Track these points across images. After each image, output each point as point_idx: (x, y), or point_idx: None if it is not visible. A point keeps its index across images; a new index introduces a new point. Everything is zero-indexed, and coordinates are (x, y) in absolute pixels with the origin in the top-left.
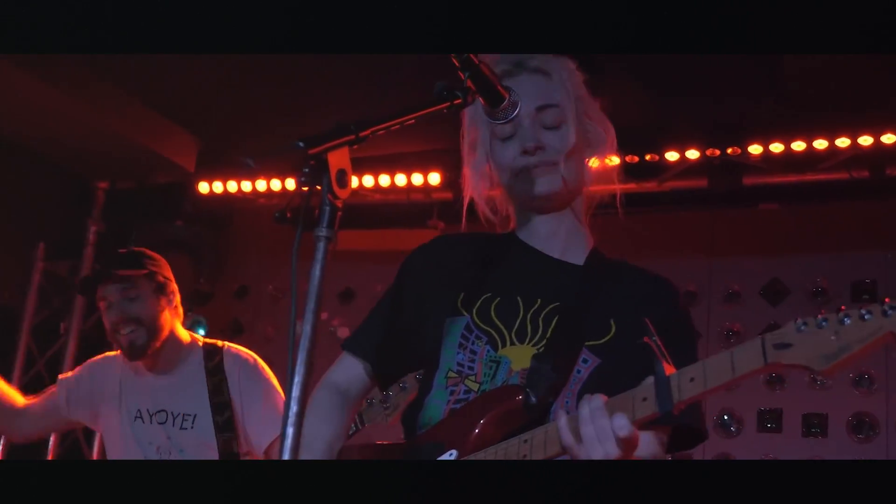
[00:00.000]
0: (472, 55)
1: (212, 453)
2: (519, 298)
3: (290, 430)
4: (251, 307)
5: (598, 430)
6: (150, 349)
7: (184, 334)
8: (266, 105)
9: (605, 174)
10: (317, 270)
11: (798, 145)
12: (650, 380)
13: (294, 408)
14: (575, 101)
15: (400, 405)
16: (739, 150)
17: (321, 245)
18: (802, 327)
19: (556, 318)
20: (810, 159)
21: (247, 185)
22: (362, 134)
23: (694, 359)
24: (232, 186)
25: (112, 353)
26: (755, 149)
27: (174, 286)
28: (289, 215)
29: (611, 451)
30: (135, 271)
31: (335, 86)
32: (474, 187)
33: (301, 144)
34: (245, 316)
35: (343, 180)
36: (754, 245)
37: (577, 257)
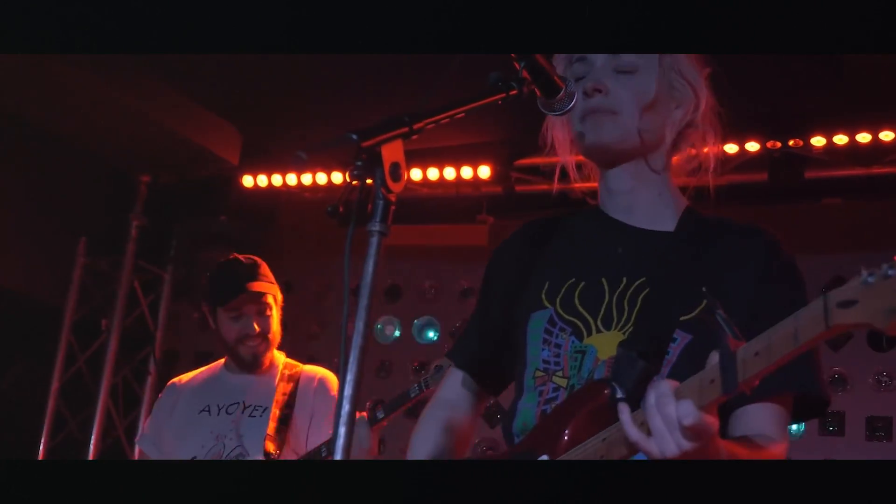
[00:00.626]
0: None
1: (263, 448)
2: (604, 280)
3: (341, 430)
4: (296, 304)
5: (666, 419)
6: (266, 361)
7: None
8: (311, 98)
9: (698, 139)
10: (370, 266)
11: (863, 137)
12: (715, 357)
13: (346, 407)
14: (660, 58)
15: None
16: (801, 143)
17: (374, 240)
18: (869, 279)
19: (641, 297)
20: (876, 152)
21: (292, 179)
22: (416, 126)
23: None
24: (276, 180)
25: (172, 382)
26: (818, 140)
27: None
28: (341, 210)
29: (683, 444)
30: (273, 286)
31: (380, 81)
32: (561, 149)
33: (354, 137)
34: (289, 312)
35: (397, 174)
36: (817, 241)
37: (667, 223)
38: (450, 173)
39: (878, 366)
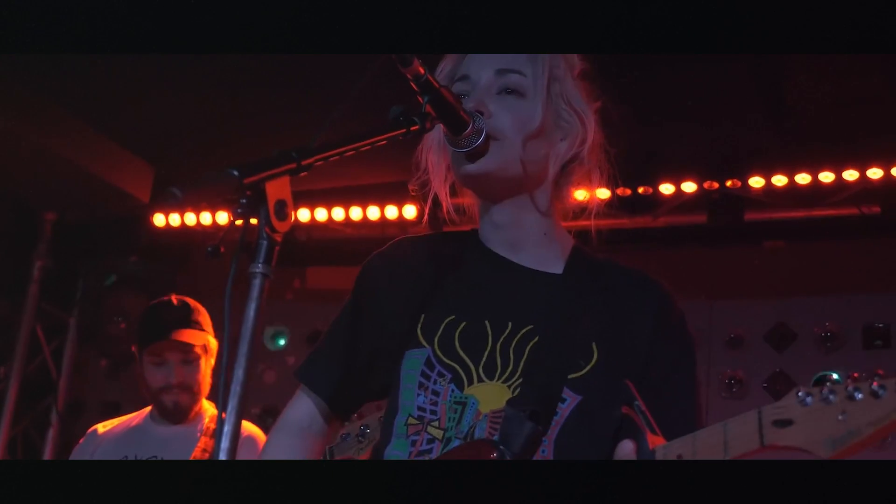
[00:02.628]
0: (430, 77)
1: None
2: (487, 323)
3: None
4: None
5: None
6: (192, 413)
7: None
8: (228, 131)
9: (583, 177)
10: (251, 311)
11: (803, 178)
12: (629, 447)
13: (223, 457)
14: (549, 76)
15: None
16: (740, 183)
17: (257, 282)
18: (807, 400)
19: (529, 347)
20: (817, 193)
21: (206, 218)
22: (305, 162)
23: (690, 391)
24: (190, 219)
25: (94, 429)
26: (757, 181)
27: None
28: (222, 250)
29: None
30: (203, 334)
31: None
32: (436, 174)
33: (235, 173)
34: None
35: (282, 212)
36: (758, 286)
37: (554, 264)
38: (374, 213)
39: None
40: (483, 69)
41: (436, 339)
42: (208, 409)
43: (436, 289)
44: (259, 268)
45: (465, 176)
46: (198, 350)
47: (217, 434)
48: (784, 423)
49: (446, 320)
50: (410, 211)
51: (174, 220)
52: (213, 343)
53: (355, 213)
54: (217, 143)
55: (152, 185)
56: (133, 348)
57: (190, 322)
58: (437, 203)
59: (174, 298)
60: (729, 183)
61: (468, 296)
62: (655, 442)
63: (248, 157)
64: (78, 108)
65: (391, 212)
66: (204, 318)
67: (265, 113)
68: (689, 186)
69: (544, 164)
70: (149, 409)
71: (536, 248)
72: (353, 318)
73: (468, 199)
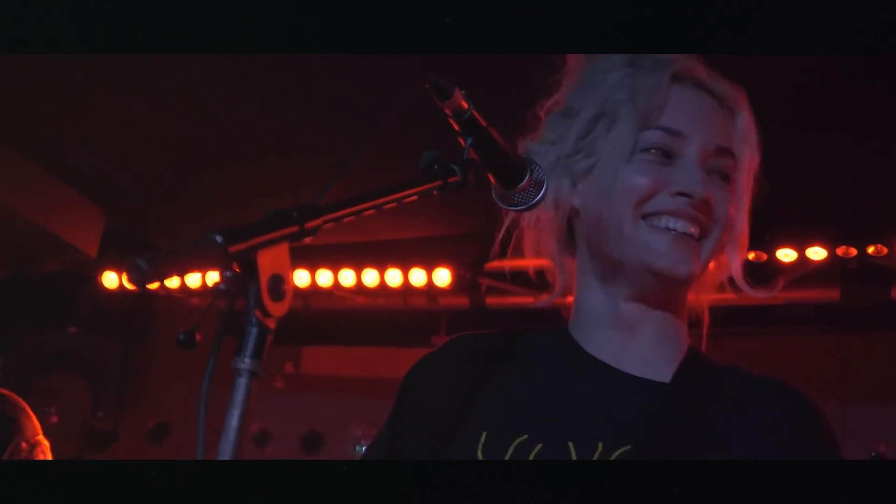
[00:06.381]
0: (476, 113)
1: None
2: (571, 444)
3: None
4: (172, 454)
5: None
6: None
7: None
8: (204, 171)
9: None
10: (234, 420)
11: None
12: None
13: None
14: (751, 172)
15: None
16: (886, 250)
17: (242, 382)
18: None
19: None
20: None
21: (173, 280)
22: (309, 225)
23: None
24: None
25: None
26: None
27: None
28: (199, 338)
29: None
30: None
31: (296, 150)
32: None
33: (218, 239)
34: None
35: (278, 291)
36: None
37: (663, 369)
38: (395, 278)
39: None
40: (704, 137)
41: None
42: None
43: (502, 400)
44: (245, 363)
45: (662, 273)
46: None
47: None
48: None
49: (516, 441)
50: (443, 276)
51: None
52: (45, 443)
53: (369, 276)
54: (190, 186)
55: (102, 234)
56: None
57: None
58: (476, 268)
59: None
60: (871, 249)
61: (546, 410)
62: None
63: (231, 207)
64: (5, 133)
65: (417, 276)
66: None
67: (253, 151)
68: (816, 253)
69: (707, 264)
70: None
71: (649, 348)
72: (394, 441)
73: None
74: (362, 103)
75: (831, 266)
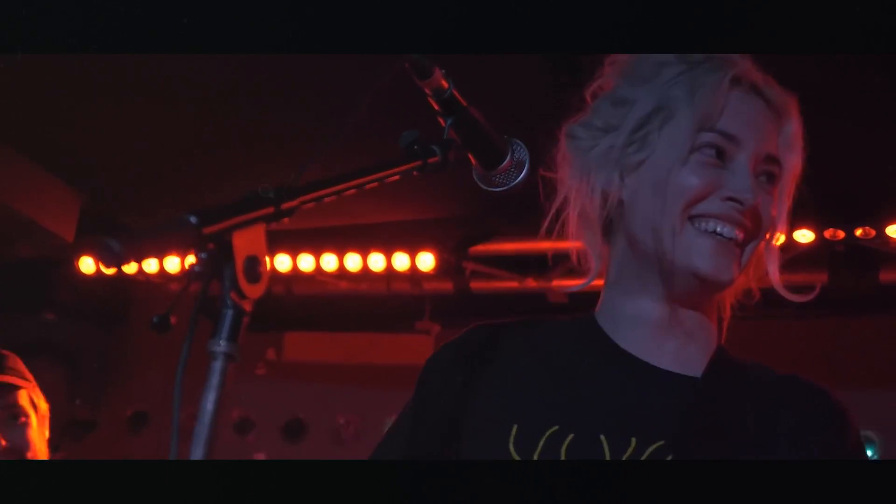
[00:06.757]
0: (456, 93)
1: None
2: (603, 438)
3: None
4: (151, 443)
5: None
6: None
7: None
8: (183, 151)
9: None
10: (209, 403)
11: None
12: None
13: None
14: (795, 173)
15: None
16: (874, 232)
17: (218, 365)
18: None
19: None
20: None
21: (151, 264)
22: (286, 206)
23: None
24: (129, 266)
25: None
26: None
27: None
28: (173, 321)
29: None
30: (27, 382)
31: (285, 129)
32: (591, 185)
33: (193, 220)
34: (141, 456)
35: (254, 273)
36: None
37: (695, 363)
38: (378, 262)
39: None
40: (757, 143)
41: (534, 456)
42: None
43: (531, 390)
44: (221, 346)
45: (706, 276)
46: (23, 401)
47: None
48: None
49: (548, 431)
50: (427, 260)
51: None
52: (44, 406)
53: (352, 261)
54: (167, 167)
55: (79, 218)
56: None
57: (4, 368)
58: (460, 252)
59: None
60: (859, 231)
61: (578, 401)
62: None
63: (208, 188)
64: None
65: (401, 261)
66: (20, 365)
67: (232, 135)
68: (804, 236)
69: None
70: None
71: (679, 348)
72: (415, 431)
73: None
74: (345, 89)
75: (819, 249)
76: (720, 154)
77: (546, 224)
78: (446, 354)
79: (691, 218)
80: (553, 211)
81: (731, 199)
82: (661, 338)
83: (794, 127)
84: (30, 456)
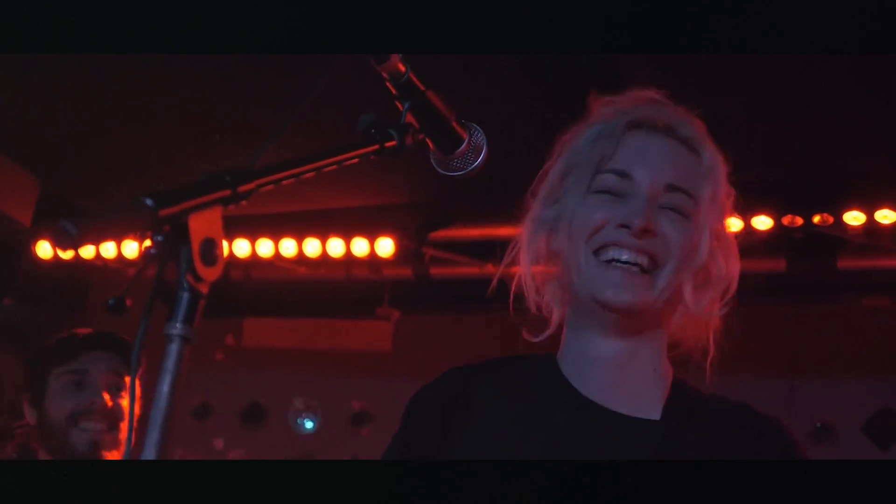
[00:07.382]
0: (413, 76)
1: None
2: None
3: None
4: None
5: None
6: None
7: None
8: (139, 134)
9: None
10: (165, 386)
11: None
12: None
13: None
14: (714, 207)
15: None
16: (832, 219)
17: (174, 348)
18: None
19: None
20: None
21: (109, 249)
22: (242, 188)
23: None
24: (87, 251)
25: None
26: (855, 217)
27: None
28: (129, 304)
29: None
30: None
31: (246, 113)
32: (530, 255)
33: (149, 202)
34: None
35: (210, 255)
36: (855, 358)
37: (652, 405)
38: (337, 247)
39: None
40: (651, 176)
41: None
42: None
43: (502, 441)
44: (177, 329)
45: (608, 304)
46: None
47: None
48: None
49: None
50: (386, 246)
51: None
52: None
53: (311, 246)
54: (125, 152)
55: (36, 202)
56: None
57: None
58: (420, 238)
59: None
60: (817, 218)
61: (539, 445)
62: None
63: (166, 173)
64: None
65: (360, 246)
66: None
67: (191, 116)
68: (762, 222)
69: (675, 300)
70: None
71: (638, 386)
72: (407, 452)
73: (550, 310)
74: (305, 71)
75: (777, 236)
76: (616, 190)
77: (511, 300)
78: (425, 398)
79: (595, 252)
80: (513, 293)
81: (622, 225)
82: (610, 379)
83: (708, 158)
84: (119, 429)
